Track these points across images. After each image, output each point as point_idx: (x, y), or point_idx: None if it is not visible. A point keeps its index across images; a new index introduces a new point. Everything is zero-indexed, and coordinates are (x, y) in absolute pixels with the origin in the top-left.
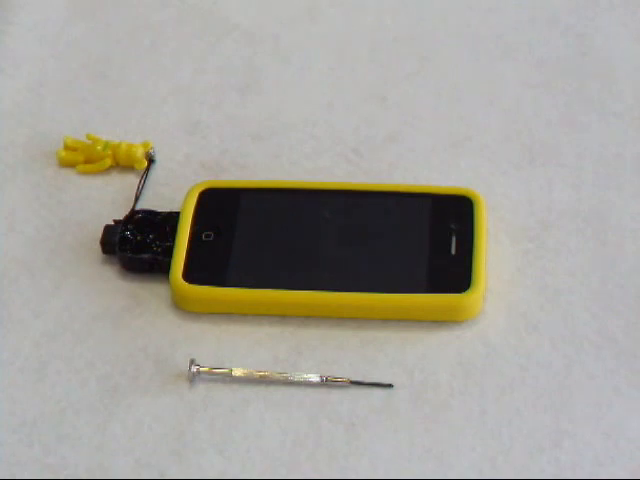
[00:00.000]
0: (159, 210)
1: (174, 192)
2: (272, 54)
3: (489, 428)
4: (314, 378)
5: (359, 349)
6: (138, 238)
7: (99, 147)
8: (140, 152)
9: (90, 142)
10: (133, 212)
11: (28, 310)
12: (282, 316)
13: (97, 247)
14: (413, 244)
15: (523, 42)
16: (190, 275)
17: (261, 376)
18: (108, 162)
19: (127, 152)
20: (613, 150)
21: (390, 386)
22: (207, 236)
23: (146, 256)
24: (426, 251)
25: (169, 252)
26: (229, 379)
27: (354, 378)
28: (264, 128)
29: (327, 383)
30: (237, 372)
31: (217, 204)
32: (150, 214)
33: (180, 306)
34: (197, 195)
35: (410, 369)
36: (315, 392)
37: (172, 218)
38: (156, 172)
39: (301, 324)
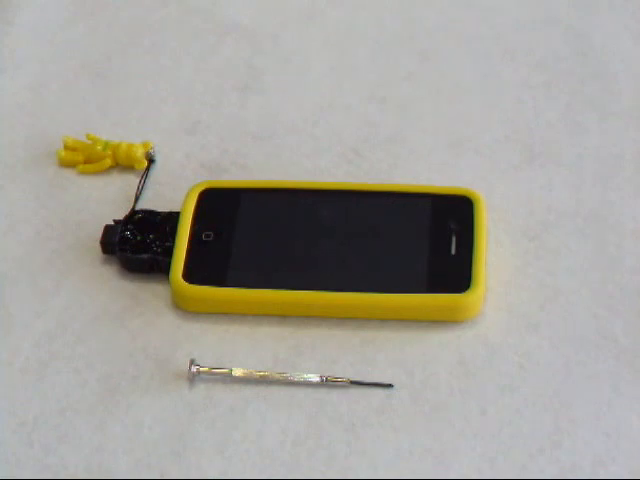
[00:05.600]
0: (159, 210)
1: (174, 192)
2: (272, 54)
3: (489, 428)
4: (314, 378)
5: (359, 349)
6: (138, 238)
7: (99, 147)
8: (140, 152)
9: (90, 142)
10: (133, 212)
11: (28, 310)
12: (282, 316)
13: (97, 247)
14: (413, 244)
15: (523, 42)
16: (190, 275)
17: (261, 376)
18: (108, 162)
19: (127, 152)
20: (613, 150)
21: (390, 386)
22: (207, 236)
23: (146, 256)
24: (426, 251)
25: (169, 252)
26: (229, 379)
27: (354, 378)
28: (264, 128)
29: (327, 383)
30: (237, 372)
31: (217, 204)
32: (150, 214)
33: (180, 306)
34: (197, 195)
35: (410, 369)
36: (315, 392)
37: (172, 218)
38: (156, 172)
39: (301, 324)
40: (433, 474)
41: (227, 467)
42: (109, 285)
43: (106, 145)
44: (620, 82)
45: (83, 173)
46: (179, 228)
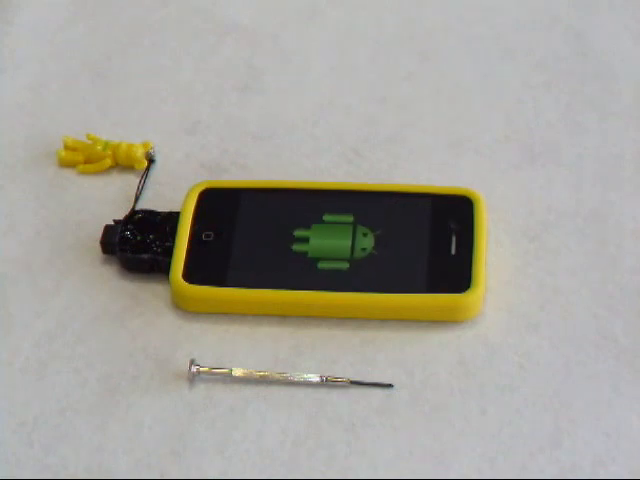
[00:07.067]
0: (159, 210)
1: (174, 192)
2: (272, 54)
3: (489, 428)
4: (314, 378)
5: (359, 349)
6: (138, 238)
7: (99, 147)
8: (140, 152)
9: (90, 142)
10: (133, 212)
11: (28, 310)
12: (282, 316)
13: (97, 247)
14: (413, 244)
15: (523, 42)
16: (190, 275)
17: (261, 376)
18: (108, 162)
19: (127, 152)
20: (613, 150)
21: (390, 386)
22: (207, 236)
23: (146, 256)
24: (426, 251)
25: (169, 252)
26: (229, 379)
27: (354, 378)
28: (264, 128)
29: (327, 383)
30: (237, 372)
31: (217, 204)
32: (150, 214)
33: (180, 306)
34: (197, 195)
35: (410, 369)
36: (315, 392)
37: (172, 218)
38: (156, 172)
39: (301, 324)
40: (433, 474)
41: (227, 467)
42: (109, 285)
43: (106, 145)
44: (620, 82)
45: (83, 173)
46: (179, 228)
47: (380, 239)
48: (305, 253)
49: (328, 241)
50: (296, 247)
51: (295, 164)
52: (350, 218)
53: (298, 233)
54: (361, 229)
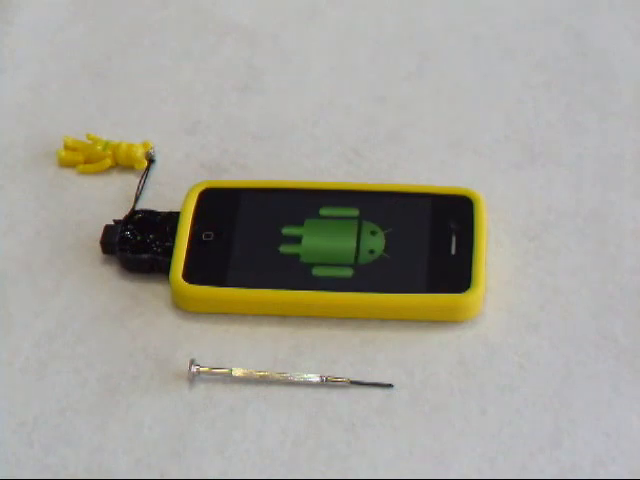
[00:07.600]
0: (159, 210)
1: (174, 192)
2: (272, 54)
3: (489, 428)
4: (314, 378)
5: (359, 349)
6: (138, 238)
7: (99, 147)
8: (140, 152)
9: (90, 142)
10: (133, 212)
11: (28, 310)
12: (282, 316)
13: (97, 247)
14: (413, 244)
15: (523, 42)
16: (190, 275)
17: (261, 376)
18: (108, 162)
19: (127, 152)
20: (613, 150)
21: (390, 386)
22: (207, 236)
23: (146, 256)
24: (426, 251)
25: (169, 252)
26: (229, 379)
27: (354, 378)
28: (264, 128)
29: (327, 383)
30: (237, 372)
31: (217, 204)
32: (150, 214)
33: (180, 306)
34: (197, 195)
35: (410, 369)
36: (315, 392)
37: (172, 218)
38: (156, 172)
39: (301, 324)
40: (433, 474)
41: (227, 467)
42: (109, 285)
43: (106, 145)
44: (620, 82)
45: (83, 173)
46: (179, 228)
47: (380, 239)
48: (305, 252)
49: (326, 242)
50: (283, 249)
51: (295, 164)
52: (355, 212)
53: (297, 233)
54: (368, 226)
